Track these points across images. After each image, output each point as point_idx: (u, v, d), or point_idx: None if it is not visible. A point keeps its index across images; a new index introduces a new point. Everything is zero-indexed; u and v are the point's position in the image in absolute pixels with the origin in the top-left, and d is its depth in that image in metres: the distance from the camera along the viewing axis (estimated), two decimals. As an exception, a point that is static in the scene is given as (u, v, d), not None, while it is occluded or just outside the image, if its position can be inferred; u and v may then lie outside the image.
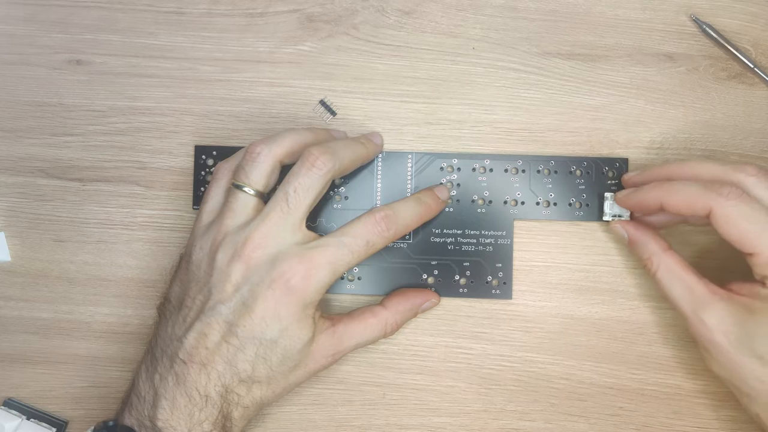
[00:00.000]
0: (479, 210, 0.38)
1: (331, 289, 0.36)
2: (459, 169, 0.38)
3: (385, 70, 0.39)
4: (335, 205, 0.38)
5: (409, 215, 0.35)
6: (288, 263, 0.32)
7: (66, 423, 0.39)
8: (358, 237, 0.33)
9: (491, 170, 0.38)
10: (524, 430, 0.38)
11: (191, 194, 0.39)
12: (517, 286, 0.38)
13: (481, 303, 0.38)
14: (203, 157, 0.39)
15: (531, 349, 0.38)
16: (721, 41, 0.38)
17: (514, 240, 0.38)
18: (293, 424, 0.38)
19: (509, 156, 0.38)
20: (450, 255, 0.38)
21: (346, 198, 0.38)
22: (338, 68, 0.39)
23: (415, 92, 0.39)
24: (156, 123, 0.39)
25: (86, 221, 0.39)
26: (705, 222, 0.32)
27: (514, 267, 0.38)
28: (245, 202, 0.33)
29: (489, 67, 0.39)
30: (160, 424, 0.31)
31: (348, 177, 0.38)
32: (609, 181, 0.38)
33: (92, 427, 0.33)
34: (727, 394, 0.37)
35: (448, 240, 0.38)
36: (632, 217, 0.37)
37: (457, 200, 0.38)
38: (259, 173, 0.34)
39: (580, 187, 0.38)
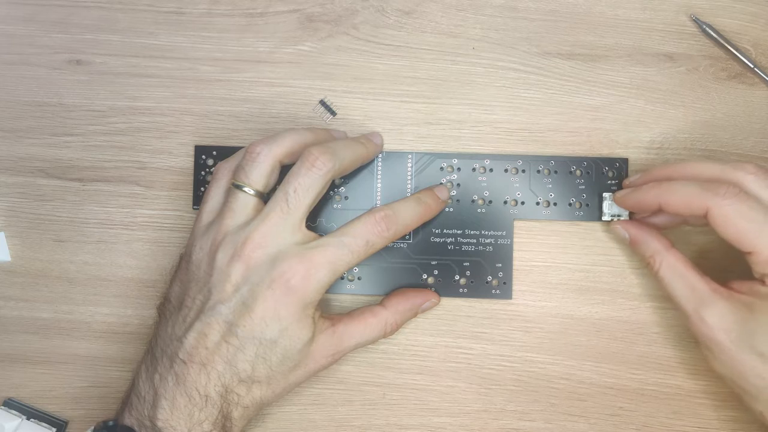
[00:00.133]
0: (479, 210, 0.38)
1: (331, 289, 0.36)
2: (459, 169, 0.38)
3: (385, 70, 0.39)
4: (335, 205, 0.38)
5: (409, 215, 0.35)
6: (288, 263, 0.32)
7: (66, 423, 0.39)
8: (358, 237, 0.33)
9: (491, 170, 0.38)
10: (524, 430, 0.38)
11: (191, 194, 0.39)
12: (517, 286, 0.38)
13: (481, 303, 0.38)
14: (203, 157, 0.39)
15: (531, 349, 0.38)
16: (721, 41, 0.38)
17: (514, 240, 0.38)
18: (293, 424, 0.38)
19: (509, 156, 0.38)
20: (450, 255, 0.38)
21: (346, 198, 0.38)
22: (338, 68, 0.39)
23: (415, 92, 0.39)
24: (156, 123, 0.39)
25: (86, 221, 0.39)
26: (704, 222, 0.32)
27: (514, 267, 0.38)
28: (245, 202, 0.33)
29: (489, 67, 0.39)
30: (160, 424, 0.31)
31: (348, 177, 0.38)
32: (609, 181, 0.38)
33: (92, 427, 0.33)
34: (728, 394, 0.37)
35: (448, 240, 0.38)
36: (631, 218, 0.37)
37: (457, 200, 0.38)
38: (258, 173, 0.34)
39: (580, 187, 0.38)
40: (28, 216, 0.40)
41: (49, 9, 0.40)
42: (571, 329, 0.38)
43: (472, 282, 0.38)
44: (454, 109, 0.39)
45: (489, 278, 0.38)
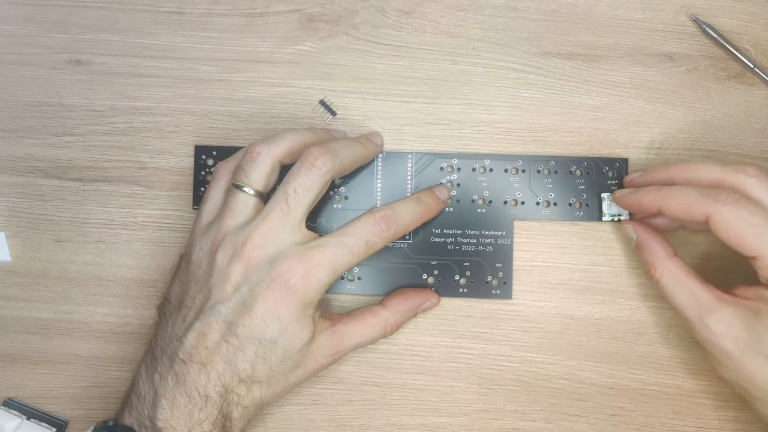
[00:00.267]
0: (479, 210, 0.38)
1: (331, 289, 0.36)
2: (459, 169, 0.38)
3: (385, 70, 0.39)
4: (335, 205, 0.38)
5: (409, 215, 0.35)
6: (287, 263, 0.32)
7: (66, 423, 0.39)
8: (358, 237, 0.33)
9: (491, 170, 0.38)
10: (524, 430, 0.38)
11: (191, 194, 0.39)
12: (517, 286, 0.38)
13: (481, 303, 0.38)
14: (203, 157, 0.39)
15: (531, 349, 0.38)
16: (721, 41, 0.38)
17: (514, 240, 0.38)
18: (293, 424, 0.38)
19: (509, 156, 0.38)
20: (450, 255, 0.38)
21: (346, 198, 0.38)
22: (338, 68, 0.39)
23: (415, 92, 0.39)
24: (156, 123, 0.39)
25: (86, 221, 0.39)
26: (703, 227, 0.32)
27: (514, 267, 0.38)
28: (245, 202, 0.33)
29: (489, 67, 0.39)
30: (159, 423, 0.31)
31: (348, 177, 0.38)
32: (609, 181, 0.38)
33: (92, 427, 0.33)
34: (729, 394, 0.37)
35: (448, 240, 0.38)
36: (631, 217, 0.37)
37: (457, 200, 0.38)
38: (258, 173, 0.34)
39: (580, 187, 0.38)
40: (28, 216, 0.40)
41: (49, 9, 0.40)
42: (571, 329, 0.38)
43: (472, 282, 0.38)
44: (454, 109, 0.39)
45: (489, 278, 0.38)
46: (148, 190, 0.39)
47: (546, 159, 0.38)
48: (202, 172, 0.39)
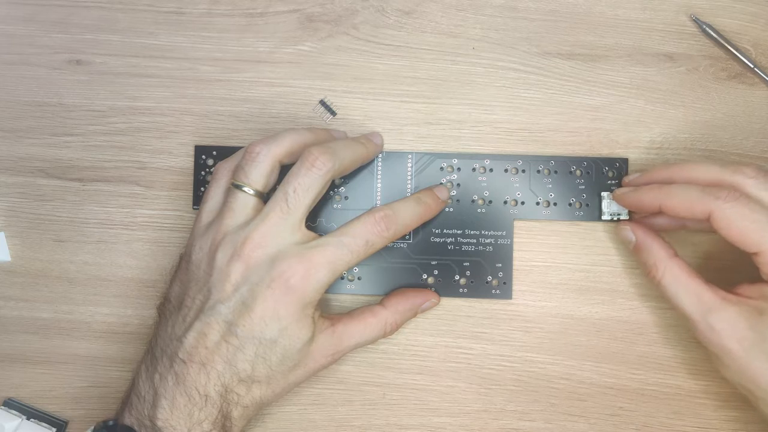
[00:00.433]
0: (479, 210, 0.38)
1: (331, 289, 0.36)
2: (459, 169, 0.38)
3: (385, 70, 0.39)
4: (335, 205, 0.38)
5: (409, 215, 0.35)
6: (287, 263, 0.32)
7: (66, 423, 0.39)
8: (358, 237, 0.33)
9: (491, 170, 0.38)
10: (524, 430, 0.38)
11: (191, 194, 0.39)
12: (517, 286, 0.38)
13: (481, 303, 0.38)
14: (203, 157, 0.39)
15: (531, 349, 0.38)
16: (721, 41, 0.38)
17: (514, 240, 0.38)
18: (293, 424, 0.38)
19: (509, 156, 0.38)
20: (450, 255, 0.38)
21: (346, 198, 0.38)
22: (338, 68, 0.39)
23: (415, 92, 0.39)
24: (156, 123, 0.39)
25: (86, 221, 0.39)
26: (703, 226, 0.32)
27: (514, 267, 0.38)
28: (245, 201, 0.33)
29: (489, 67, 0.39)
30: (159, 423, 0.31)
31: (348, 177, 0.38)
32: (609, 181, 0.37)
33: (92, 427, 0.33)
34: (729, 394, 0.37)
35: (448, 240, 0.38)
36: (631, 217, 0.37)
37: (457, 200, 0.38)
38: (258, 173, 0.34)
39: (580, 187, 0.38)
40: (28, 216, 0.40)
41: (49, 9, 0.40)
42: (571, 329, 0.38)
43: (472, 282, 0.38)
44: (454, 109, 0.39)
45: (489, 278, 0.38)
46: (148, 190, 0.39)
47: (546, 159, 0.38)
48: (202, 172, 0.39)
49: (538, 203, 0.38)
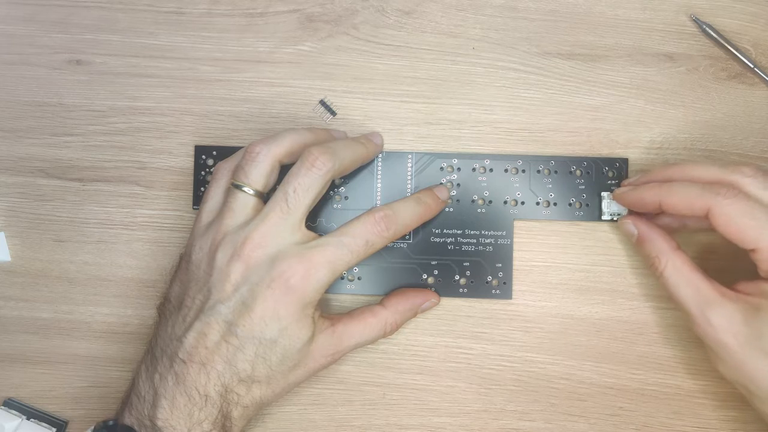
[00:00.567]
0: (479, 210, 0.38)
1: (331, 289, 0.36)
2: (459, 169, 0.38)
3: (385, 70, 0.39)
4: (335, 205, 0.38)
5: (409, 215, 0.35)
6: (287, 263, 0.32)
7: (66, 423, 0.39)
8: (358, 237, 0.33)
9: (491, 170, 0.38)
10: (524, 430, 0.38)
11: (191, 194, 0.39)
12: (517, 286, 0.38)
13: (481, 303, 0.38)
14: (203, 157, 0.39)
15: (531, 349, 0.38)
16: (721, 41, 0.38)
17: (514, 240, 0.38)
18: (293, 424, 0.38)
19: (509, 156, 0.38)
20: (450, 255, 0.38)
21: (346, 198, 0.38)
22: (338, 68, 0.39)
23: (415, 92, 0.39)
24: (156, 123, 0.39)
25: (86, 221, 0.39)
26: (703, 224, 0.32)
27: (514, 267, 0.38)
28: (245, 201, 0.33)
29: (489, 67, 0.39)
30: (159, 423, 0.31)
31: (348, 177, 0.38)
32: (609, 181, 0.38)
33: (92, 427, 0.33)
34: (728, 394, 0.37)
35: (448, 240, 0.38)
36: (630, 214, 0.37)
37: (457, 200, 0.38)
38: (258, 173, 0.34)
39: (580, 187, 0.38)
40: (28, 216, 0.40)
41: (49, 9, 0.40)
42: (571, 329, 0.38)
43: (472, 282, 0.38)
44: (454, 109, 0.39)
45: (489, 278, 0.38)
46: (148, 190, 0.39)
47: (546, 159, 0.38)
48: (202, 172, 0.39)
49: (538, 203, 0.38)
